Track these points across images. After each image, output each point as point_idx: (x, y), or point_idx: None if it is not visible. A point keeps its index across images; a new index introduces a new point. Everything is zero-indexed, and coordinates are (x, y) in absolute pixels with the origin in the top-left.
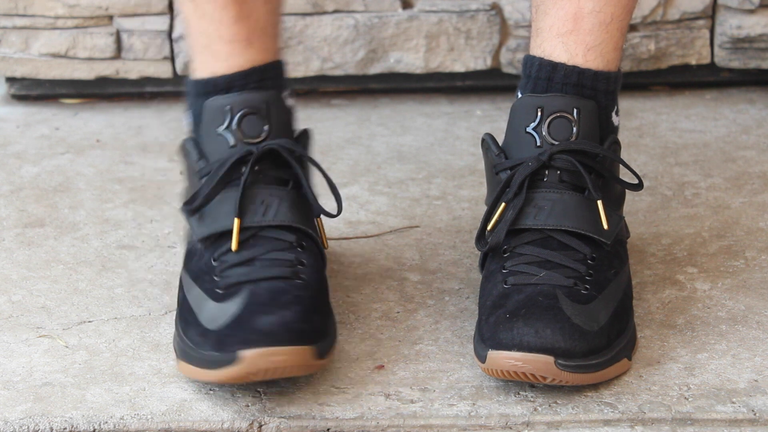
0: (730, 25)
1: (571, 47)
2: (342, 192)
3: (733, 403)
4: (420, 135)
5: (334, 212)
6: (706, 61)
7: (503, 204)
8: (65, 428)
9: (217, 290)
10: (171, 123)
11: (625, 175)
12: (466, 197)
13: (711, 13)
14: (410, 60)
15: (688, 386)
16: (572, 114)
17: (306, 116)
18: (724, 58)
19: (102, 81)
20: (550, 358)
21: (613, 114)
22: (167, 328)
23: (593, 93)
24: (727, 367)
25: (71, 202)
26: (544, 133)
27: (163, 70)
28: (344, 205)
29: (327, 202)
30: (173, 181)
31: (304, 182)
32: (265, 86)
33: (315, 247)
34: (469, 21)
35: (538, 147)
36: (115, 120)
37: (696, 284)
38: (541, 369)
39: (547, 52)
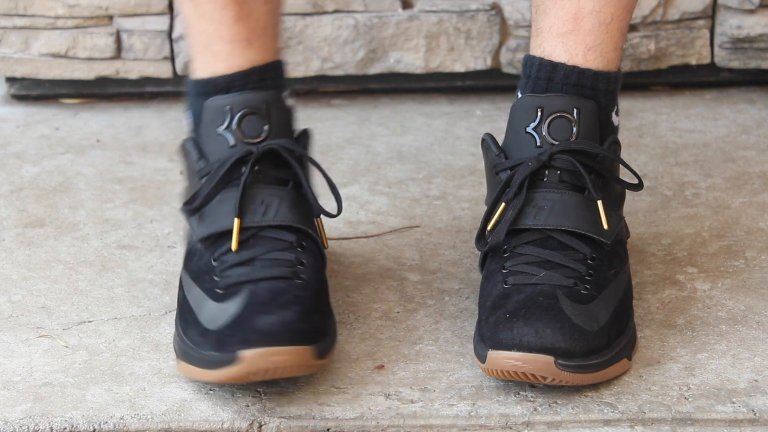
0: (730, 25)
1: (571, 47)
2: (342, 192)
3: (733, 403)
4: (420, 135)
5: (334, 212)
6: (706, 61)
7: (503, 204)
8: (65, 428)
9: (217, 290)
10: (171, 123)
11: (625, 175)
12: (466, 197)
13: (711, 13)
14: (410, 60)
15: (688, 386)
16: (572, 114)
17: (306, 116)
18: (724, 58)
19: (102, 81)
20: (550, 358)
21: (613, 114)
22: (167, 328)
23: (593, 93)
24: (727, 367)
25: (71, 202)
26: (544, 133)
27: (163, 70)
28: (344, 205)
29: (327, 202)
30: (173, 181)
31: (304, 182)
32: (265, 86)
33: (315, 247)
34: (469, 21)
35: (538, 147)
36: (115, 120)
37: (696, 284)
38: (541, 369)
39: (547, 52)
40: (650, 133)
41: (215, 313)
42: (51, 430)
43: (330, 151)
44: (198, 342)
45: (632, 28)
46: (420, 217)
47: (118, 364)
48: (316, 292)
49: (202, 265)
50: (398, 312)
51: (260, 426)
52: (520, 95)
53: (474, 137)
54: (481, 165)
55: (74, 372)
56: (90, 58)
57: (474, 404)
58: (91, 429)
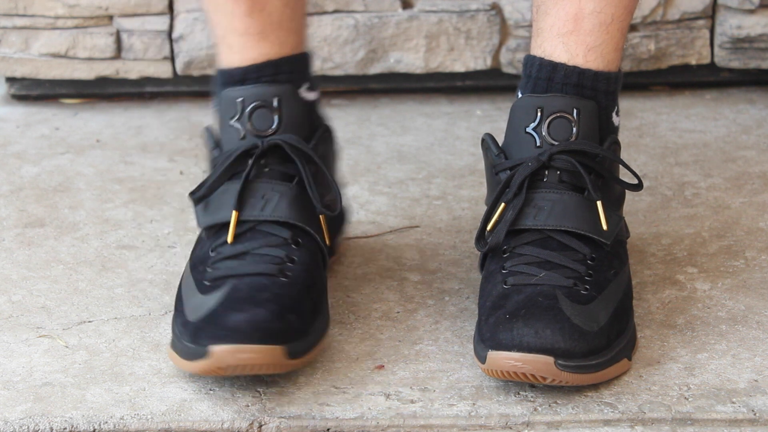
0: (730, 25)
1: (572, 47)
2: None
3: (733, 403)
4: (420, 135)
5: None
6: (706, 61)
7: (503, 204)
8: (65, 428)
9: (205, 282)
10: (171, 123)
11: (625, 175)
12: (466, 197)
13: (711, 13)
14: (410, 60)
15: (688, 386)
16: (572, 114)
17: None
18: (724, 58)
19: (102, 81)
20: (550, 359)
21: (614, 114)
22: (167, 328)
23: (593, 93)
24: (727, 367)
25: (71, 202)
26: (543, 134)
27: (163, 70)
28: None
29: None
30: (173, 181)
31: (306, 179)
32: (280, 80)
33: (313, 245)
34: (469, 21)
35: (538, 147)
36: (115, 120)
37: (696, 284)
38: (541, 369)
39: (547, 53)
40: (650, 133)
41: (197, 305)
42: (51, 430)
43: None
44: (181, 332)
45: (632, 28)
46: (420, 217)
47: (118, 364)
48: (299, 291)
49: (201, 254)
50: (398, 312)
51: (260, 426)
52: (520, 95)
53: (474, 137)
54: (481, 165)
55: (74, 372)
56: (90, 58)
57: (474, 404)
58: (91, 429)
